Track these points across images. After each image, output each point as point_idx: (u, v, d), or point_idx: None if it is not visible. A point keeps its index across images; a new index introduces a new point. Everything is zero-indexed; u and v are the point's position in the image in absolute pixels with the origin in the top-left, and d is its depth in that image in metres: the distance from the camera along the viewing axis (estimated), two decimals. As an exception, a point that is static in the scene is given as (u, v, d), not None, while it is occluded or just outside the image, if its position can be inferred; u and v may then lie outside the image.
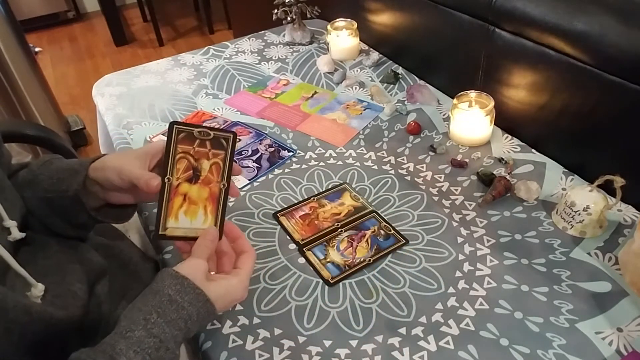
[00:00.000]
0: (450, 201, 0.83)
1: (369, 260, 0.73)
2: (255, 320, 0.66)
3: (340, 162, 0.93)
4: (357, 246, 0.75)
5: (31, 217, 0.62)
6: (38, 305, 0.51)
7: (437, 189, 0.85)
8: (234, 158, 0.60)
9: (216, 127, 0.60)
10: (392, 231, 0.77)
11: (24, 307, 0.47)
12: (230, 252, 0.61)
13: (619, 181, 0.70)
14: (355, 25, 1.26)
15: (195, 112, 1.09)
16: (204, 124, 0.58)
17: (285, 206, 0.84)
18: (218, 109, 1.11)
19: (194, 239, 0.58)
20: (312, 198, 0.85)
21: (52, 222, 0.62)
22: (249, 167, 0.93)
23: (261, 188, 0.88)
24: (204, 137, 0.59)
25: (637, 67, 0.71)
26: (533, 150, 0.92)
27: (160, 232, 0.58)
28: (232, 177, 0.62)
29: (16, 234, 0.55)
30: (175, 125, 0.58)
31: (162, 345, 0.48)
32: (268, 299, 0.69)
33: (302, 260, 0.74)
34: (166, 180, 0.58)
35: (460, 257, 0.73)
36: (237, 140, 0.65)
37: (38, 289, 0.52)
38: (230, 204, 0.84)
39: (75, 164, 0.61)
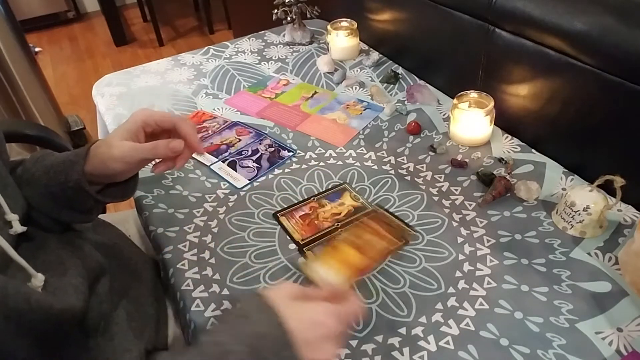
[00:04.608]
0: (450, 201, 0.83)
1: (369, 260, 0.73)
2: (255, 320, 0.66)
3: (340, 162, 0.93)
4: (357, 246, 0.75)
5: (33, 213, 0.62)
6: (38, 294, 0.50)
7: (437, 189, 0.85)
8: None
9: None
10: (392, 231, 0.77)
11: (24, 295, 0.47)
12: None
13: (619, 181, 0.70)
14: (355, 25, 1.26)
15: (195, 112, 1.09)
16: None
17: (285, 206, 0.84)
18: (218, 109, 1.11)
19: (324, 286, 0.59)
20: (312, 198, 0.85)
21: (59, 214, 0.63)
22: (249, 167, 0.93)
23: (261, 188, 0.88)
24: (390, 224, 0.69)
25: (637, 67, 0.71)
26: (533, 150, 0.92)
27: (304, 261, 0.66)
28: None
29: (17, 228, 0.55)
30: (379, 209, 0.72)
31: (223, 357, 0.45)
32: (268, 299, 0.68)
33: (302, 260, 0.74)
34: (337, 224, 0.71)
35: (460, 257, 0.73)
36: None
37: (38, 279, 0.52)
38: (230, 204, 0.84)
39: (70, 155, 0.63)
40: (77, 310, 0.54)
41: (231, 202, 0.85)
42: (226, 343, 0.46)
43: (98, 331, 0.59)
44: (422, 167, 0.90)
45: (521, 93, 0.93)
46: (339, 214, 0.81)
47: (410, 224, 0.78)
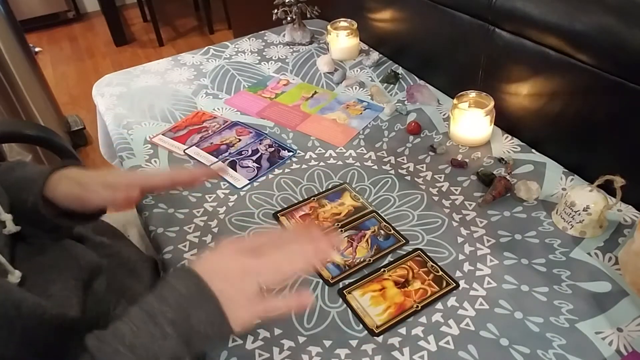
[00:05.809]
0: (450, 201, 0.83)
1: (369, 260, 0.73)
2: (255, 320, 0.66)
3: (340, 162, 0.93)
4: (357, 246, 0.75)
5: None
6: (12, 285, 0.50)
7: (437, 189, 0.85)
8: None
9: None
10: (392, 231, 0.77)
11: (7, 286, 0.47)
12: None
13: (619, 181, 0.70)
14: (355, 25, 1.26)
15: (195, 112, 1.09)
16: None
17: (285, 206, 0.84)
18: (218, 109, 1.11)
19: (361, 319, 0.65)
20: (312, 198, 0.85)
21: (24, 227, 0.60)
22: (249, 167, 0.93)
23: (261, 188, 0.88)
24: (433, 271, 0.70)
25: (637, 67, 0.71)
26: (533, 150, 0.92)
27: (343, 291, 0.68)
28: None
29: (11, 227, 0.55)
30: (419, 252, 0.73)
31: (150, 319, 0.46)
32: (268, 299, 0.68)
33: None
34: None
35: (460, 257, 0.73)
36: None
37: (15, 276, 0.52)
38: (230, 204, 0.84)
39: (35, 172, 0.60)
40: (72, 315, 0.53)
41: (231, 202, 0.85)
42: (150, 302, 0.48)
43: (96, 330, 0.59)
44: (422, 167, 0.90)
45: (521, 93, 0.93)
46: (339, 214, 0.81)
47: (410, 224, 0.79)
